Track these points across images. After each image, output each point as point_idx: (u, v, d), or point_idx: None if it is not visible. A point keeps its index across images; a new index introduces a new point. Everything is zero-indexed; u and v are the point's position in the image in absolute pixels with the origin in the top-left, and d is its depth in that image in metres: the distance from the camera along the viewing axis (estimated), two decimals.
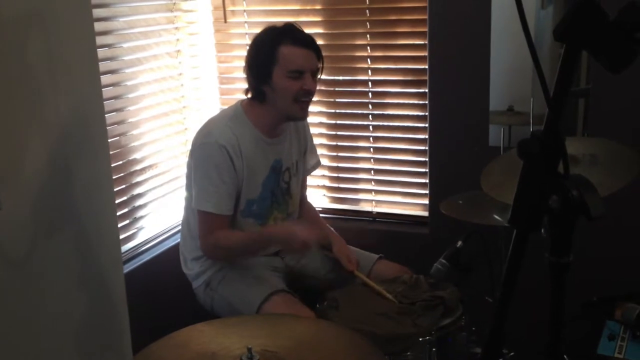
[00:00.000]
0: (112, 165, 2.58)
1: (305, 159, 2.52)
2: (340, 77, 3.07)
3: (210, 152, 2.18)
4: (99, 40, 2.51)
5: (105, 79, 2.55)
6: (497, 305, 1.00)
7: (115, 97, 2.63)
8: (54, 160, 1.40)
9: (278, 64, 2.17)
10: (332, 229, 2.55)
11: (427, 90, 2.88)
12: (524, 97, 2.69)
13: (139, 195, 2.79)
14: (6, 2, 1.25)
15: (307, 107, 2.28)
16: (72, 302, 1.47)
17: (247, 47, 2.29)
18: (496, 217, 2.33)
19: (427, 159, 2.97)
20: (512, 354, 2.29)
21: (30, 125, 1.34)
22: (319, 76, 2.29)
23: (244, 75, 2.32)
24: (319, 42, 2.31)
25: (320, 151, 2.96)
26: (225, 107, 2.62)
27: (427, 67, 2.85)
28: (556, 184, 0.87)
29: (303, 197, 2.57)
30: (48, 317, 1.41)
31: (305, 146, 2.51)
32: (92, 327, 1.51)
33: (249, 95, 2.31)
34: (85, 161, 1.48)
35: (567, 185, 0.86)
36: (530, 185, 0.88)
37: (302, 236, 2.13)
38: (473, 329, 2.11)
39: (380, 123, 3.06)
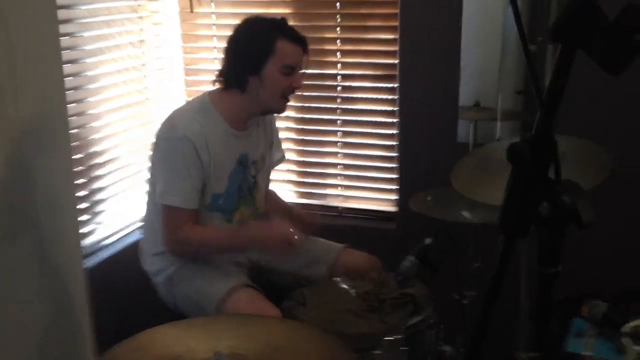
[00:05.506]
0: (72, 158, 2.50)
1: (271, 153, 2.48)
2: (309, 71, 3.02)
3: (176, 145, 2.14)
4: (59, 28, 2.42)
5: (65, 69, 2.44)
6: (481, 309, 0.97)
7: (75, 88, 2.57)
8: (13, 156, 1.35)
9: (274, 57, 2.16)
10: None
11: (397, 85, 2.86)
12: (490, 92, 2.70)
13: (99, 190, 2.73)
14: None
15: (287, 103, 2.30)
16: (31, 305, 1.43)
17: (233, 34, 2.22)
18: (464, 214, 2.32)
19: (396, 154, 2.96)
20: None
21: None
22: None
23: (220, 63, 2.26)
24: None
25: (287, 145, 2.92)
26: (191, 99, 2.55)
27: (397, 61, 2.83)
28: (547, 190, 0.84)
29: (267, 191, 2.54)
30: (5, 321, 1.36)
31: (272, 139, 2.48)
32: (52, 332, 1.47)
33: (218, 85, 2.26)
34: (46, 157, 1.43)
35: (559, 191, 0.83)
36: (519, 190, 0.86)
37: (281, 231, 2.10)
38: (441, 326, 2.10)
39: (349, 118, 3.03)
